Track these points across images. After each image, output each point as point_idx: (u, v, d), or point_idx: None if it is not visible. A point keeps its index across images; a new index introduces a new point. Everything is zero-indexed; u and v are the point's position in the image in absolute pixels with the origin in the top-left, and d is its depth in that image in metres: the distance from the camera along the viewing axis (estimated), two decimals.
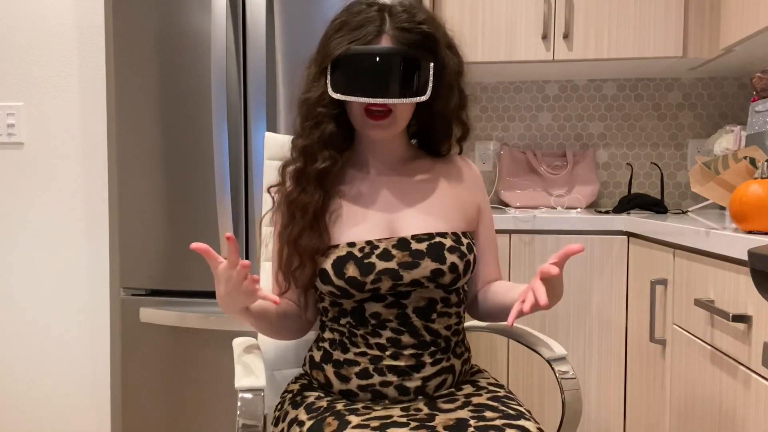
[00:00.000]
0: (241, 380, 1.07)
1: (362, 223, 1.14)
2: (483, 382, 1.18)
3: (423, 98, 1.09)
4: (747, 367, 1.11)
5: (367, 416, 1.01)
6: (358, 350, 1.11)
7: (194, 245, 0.96)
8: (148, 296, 1.92)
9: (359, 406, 1.07)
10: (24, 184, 2.34)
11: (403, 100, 1.08)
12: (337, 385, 1.12)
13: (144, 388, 1.92)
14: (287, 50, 1.81)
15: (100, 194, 2.31)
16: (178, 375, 1.90)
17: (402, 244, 1.11)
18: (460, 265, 1.11)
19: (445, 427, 0.97)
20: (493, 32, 2.11)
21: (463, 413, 1.02)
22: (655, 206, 2.03)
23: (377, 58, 1.06)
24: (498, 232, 1.74)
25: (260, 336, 1.32)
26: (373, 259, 1.08)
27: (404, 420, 1.00)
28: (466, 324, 1.29)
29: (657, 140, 2.40)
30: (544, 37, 2.08)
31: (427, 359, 1.10)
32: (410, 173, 1.21)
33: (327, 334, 1.16)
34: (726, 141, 1.99)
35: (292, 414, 1.09)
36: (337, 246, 1.11)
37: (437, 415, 1.02)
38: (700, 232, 1.27)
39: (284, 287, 1.16)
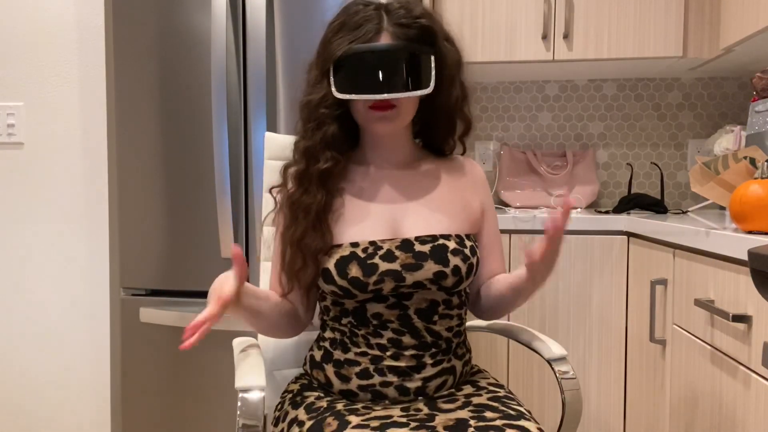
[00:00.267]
0: (241, 380, 1.07)
1: (365, 220, 1.14)
2: (483, 383, 1.18)
3: (427, 91, 1.10)
4: (747, 367, 1.11)
5: (367, 416, 1.01)
6: (358, 350, 1.11)
7: (235, 252, 0.97)
8: (148, 296, 1.92)
9: (359, 406, 1.07)
10: (24, 184, 2.34)
11: (408, 94, 1.08)
12: (337, 384, 1.13)
13: (144, 388, 1.92)
14: (287, 50, 1.81)
15: (100, 194, 2.31)
16: (178, 375, 1.90)
17: (405, 245, 1.11)
18: (463, 268, 1.11)
19: (445, 428, 0.97)
20: (493, 32, 2.11)
21: (463, 413, 1.02)
22: (655, 206, 2.03)
23: (379, 55, 1.07)
24: None
25: (260, 336, 1.32)
26: (377, 259, 1.08)
27: (404, 420, 1.00)
28: (467, 324, 1.29)
29: (657, 140, 2.40)
30: (544, 37, 2.08)
31: (428, 360, 1.10)
32: (414, 173, 1.21)
33: (328, 334, 1.16)
34: (726, 141, 1.99)
35: (292, 414, 1.09)
36: (340, 245, 1.11)
37: (437, 415, 1.02)
38: (700, 232, 1.27)
39: (287, 288, 1.16)
